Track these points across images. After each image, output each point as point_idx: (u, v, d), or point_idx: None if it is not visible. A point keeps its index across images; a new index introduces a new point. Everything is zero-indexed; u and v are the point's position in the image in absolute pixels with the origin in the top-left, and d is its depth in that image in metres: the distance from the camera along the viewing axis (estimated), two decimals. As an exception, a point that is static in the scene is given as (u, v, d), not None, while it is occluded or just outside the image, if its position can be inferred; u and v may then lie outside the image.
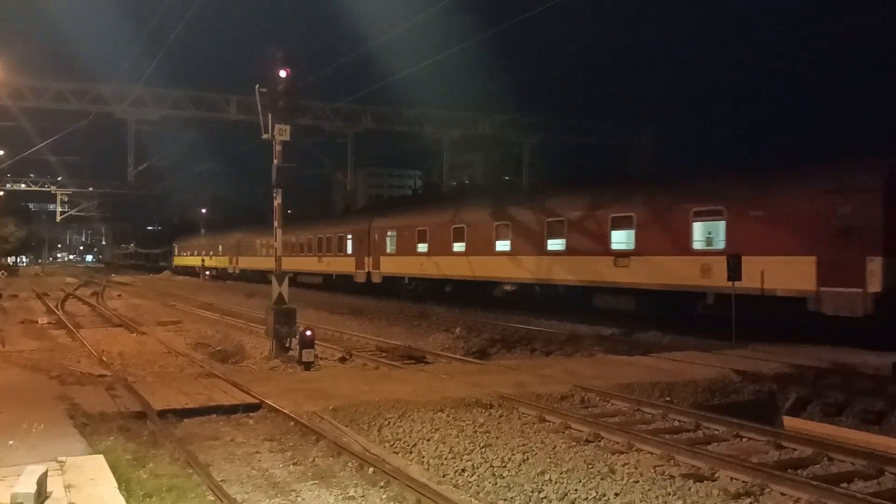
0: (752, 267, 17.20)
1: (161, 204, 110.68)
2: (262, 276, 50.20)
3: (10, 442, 7.78)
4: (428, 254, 31.13)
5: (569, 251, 23.56)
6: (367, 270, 36.49)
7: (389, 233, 34.95)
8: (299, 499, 7.03)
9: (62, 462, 6.83)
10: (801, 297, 16.80)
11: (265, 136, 16.34)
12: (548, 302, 24.76)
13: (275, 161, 16.38)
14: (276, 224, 17.08)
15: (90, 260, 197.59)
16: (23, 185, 69.97)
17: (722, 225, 18.89)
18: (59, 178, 72.40)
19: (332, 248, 41.32)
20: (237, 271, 59.46)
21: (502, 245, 26.71)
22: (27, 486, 5.54)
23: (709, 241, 19.42)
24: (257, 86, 16.41)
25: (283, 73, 15.88)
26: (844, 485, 7.37)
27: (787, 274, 16.70)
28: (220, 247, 65.21)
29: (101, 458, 7.03)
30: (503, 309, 25.84)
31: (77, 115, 41.47)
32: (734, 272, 16.67)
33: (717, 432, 9.55)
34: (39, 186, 71.74)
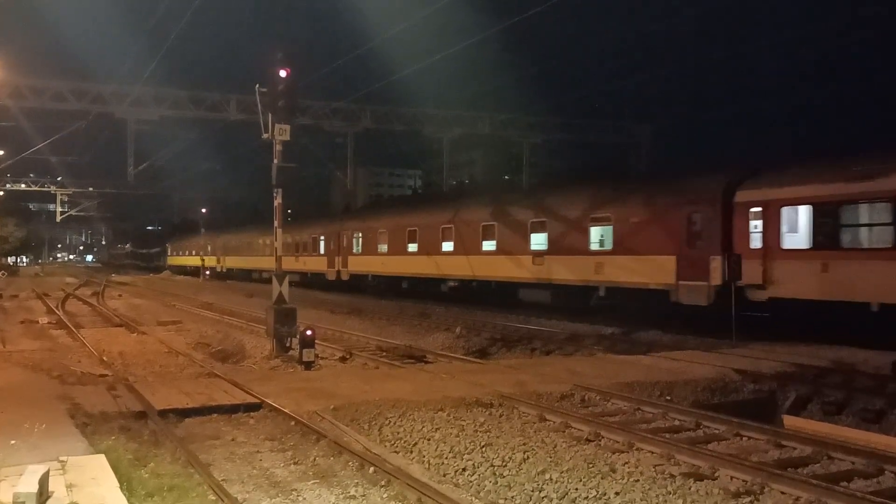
0: (632, 264, 21.06)
1: (161, 203, 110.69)
2: (246, 275, 55.50)
3: (12, 442, 7.80)
4: (388, 253, 34.70)
5: (498, 251, 26.92)
6: (337, 269, 39.76)
7: (356, 235, 38.35)
8: (300, 498, 7.04)
9: (64, 462, 6.84)
10: (665, 290, 19.94)
11: (265, 135, 16.33)
12: (483, 296, 28.13)
13: (275, 161, 16.38)
14: (276, 224, 17.11)
15: (90, 260, 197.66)
16: (23, 185, 69.90)
17: (610, 229, 22.30)
18: (59, 178, 72.35)
19: (308, 248, 44.31)
20: (224, 270, 62.84)
21: (447, 246, 29.99)
22: (29, 485, 5.55)
23: (601, 243, 22.81)
24: (257, 85, 16.41)
25: (282, 73, 15.86)
26: (844, 483, 7.39)
27: (656, 270, 20.14)
28: (209, 247, 67.73)
29: (102, 458, 7.05)
30: (502, 308, 25.95)
31: (77, 114, 41.37)
32: (734, 271, 16.88)
33: (717, 431, 9.56)
34: (39, 186, 71.68)
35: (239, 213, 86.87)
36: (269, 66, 16.03)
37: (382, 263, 35.05)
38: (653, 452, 8.54)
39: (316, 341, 15.16)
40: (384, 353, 17.06)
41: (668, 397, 11.68)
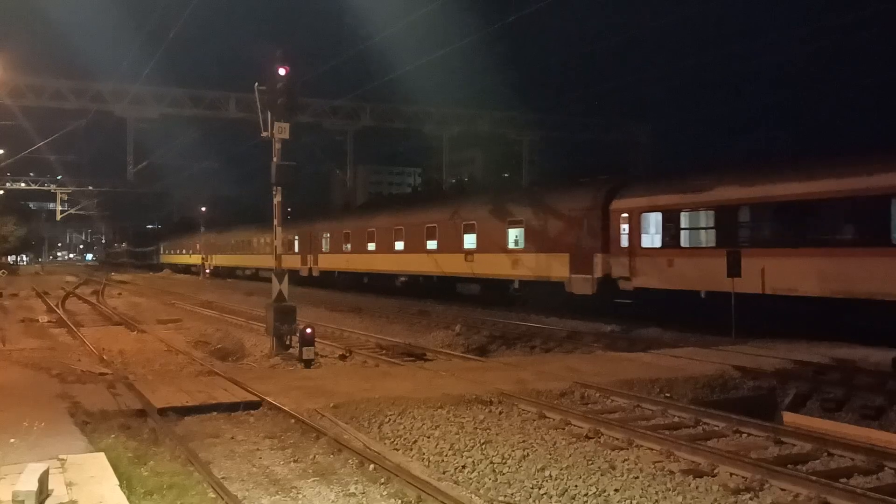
0: (538, 261, 24.61)
1: (161, 202, 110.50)
2: (231, 272, 59.25)
3: (12, 440, 7.80)
4: (351, 252, 38.23)
5: (439, 250, 30.35)
6: (309, 266, 43.06)
7: (325, 235, 41.75)
8: (300, 496, 7.04)
9: (63, 460, 6.85)
10: (562, 282, 23.43)
11: (264, 134, 16.30)
12: (425, 290, 31.20)
13: (274, 159, 16.36)
14: (275, 222, 17.09)
15: (90, 258, 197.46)
16: (22, 184, 69.92)
17: (522, 231, 25.77)
18: (59, 177, 72.36)
19: (284, 247, 44.52)
20: (211, 267, 65.63)
21: (399, 245, 33.47)
22: (29, 484, 5.55)
23: (516, 243, 26.20)
24: (256, 84, 16.36)
25: (282, 71, 15.83)
26: (844, 480, 7.38)
27: (555, 266, 23.74)
28: (198, 245, 69.87)
29: (102, 456, 7.04)
30: (502, 307, 26.00)
31: (76, 113, 41.51)
32: (733, 269, 16.87)
33: (716, 428, 9.56)
34: (39, 185, 71.68)
35: (238, 212, 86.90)
36: (269, 64, 16.00)
37: (347, 261, 38.79)
38: (652, 449, 8.54)
39: (315, 339, 15.17)
40: (384, 351, 17.06)
41: (668, 394, 11.67)
